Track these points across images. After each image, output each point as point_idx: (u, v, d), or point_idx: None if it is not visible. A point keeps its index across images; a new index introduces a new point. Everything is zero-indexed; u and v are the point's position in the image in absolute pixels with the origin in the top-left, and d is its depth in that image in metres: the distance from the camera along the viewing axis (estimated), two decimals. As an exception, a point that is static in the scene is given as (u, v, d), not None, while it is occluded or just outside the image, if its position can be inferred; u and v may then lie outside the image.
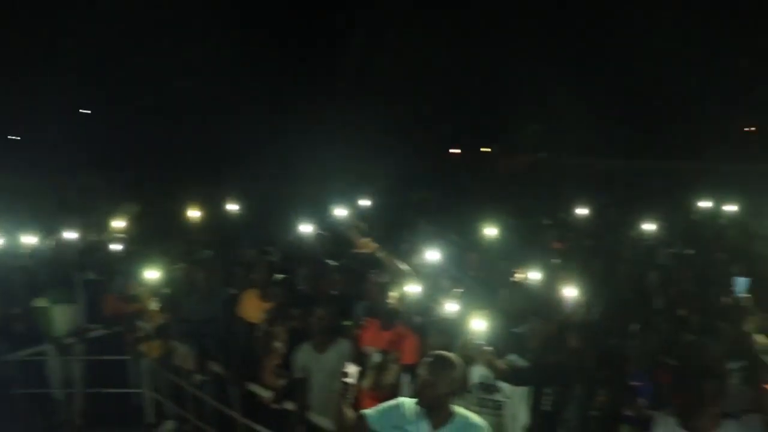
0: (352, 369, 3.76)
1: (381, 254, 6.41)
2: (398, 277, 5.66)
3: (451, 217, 9.67)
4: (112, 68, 22.10)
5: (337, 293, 5.77)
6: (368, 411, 3.51)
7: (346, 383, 3.70)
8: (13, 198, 12.15)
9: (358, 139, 19.77)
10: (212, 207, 9.79)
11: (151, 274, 6.79)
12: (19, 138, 22.74)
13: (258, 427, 5.68)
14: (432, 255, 6.28)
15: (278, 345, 5.58)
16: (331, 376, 5.18)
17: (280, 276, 5.89)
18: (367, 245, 6.72)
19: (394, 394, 4.65)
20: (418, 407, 3.44)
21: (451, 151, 27.20)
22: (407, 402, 3.51)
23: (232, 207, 9.48)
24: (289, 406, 5.35)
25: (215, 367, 6.13)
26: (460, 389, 3.79)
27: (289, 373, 5.38)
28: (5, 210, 9.90)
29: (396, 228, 8.71)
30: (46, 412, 7.38)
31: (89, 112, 25.04)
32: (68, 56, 21.69)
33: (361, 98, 20.79)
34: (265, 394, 5.59)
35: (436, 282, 5.81)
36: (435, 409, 3.43)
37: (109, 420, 7.19)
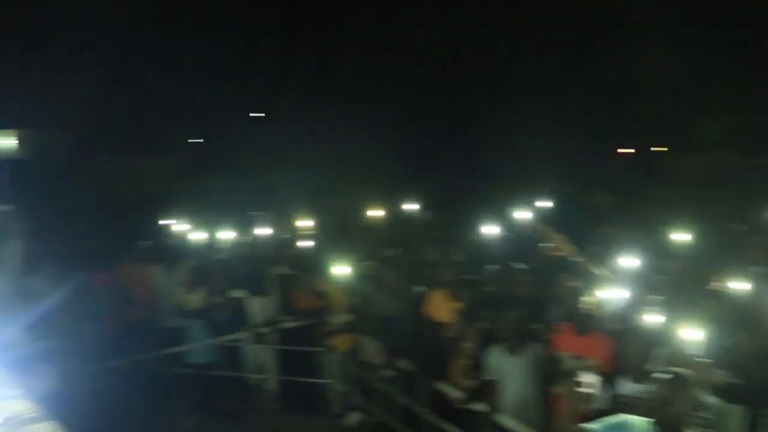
0: (589, 379, 3.68)
1: (576, 258, 6.29)
2: (594, 282, 5.53)
3: (632, 222, 9.26)
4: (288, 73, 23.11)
5: (528, 296, 5.72)
6: (592, 426, 3.40)
7: (579, 393, 3.63)
8: (211, 197, 13.09)
9: (528, 140, 19.43)
10: (393, 206, 10.06)
11: (341, 270, 7.09)
12: (201, 140, 24.36)
13: (445, 425, 5.77)
14: (629, 261, 6.07)
15: (469, 345, 5.64)
16: (523, 379, 5.17)
17: (467, 277, 5.93)
18: (563, 247, 6.62)
19: (588, 402, 4.57)
20: (653, 426, 3.33)
21: (620, 151, 26.04)
22: (636, 420, 3.38)
23: (413, 206, 9.70)
24: (479, 407, 5.39)
25: (404, 364, 6.28)
26: (696, 408, 3.63)
27: (479, 375, 5.42)
28: (205, 208, 10.69)
29: (578, 232, 8.50)
30: (241, 395, 7.94)
31: (263, 115, 26.39)
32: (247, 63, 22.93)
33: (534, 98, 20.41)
34: (454, 393, 5.66)
35: (635, 289, 5.60)
36: (671, 428, 3.31)
37: (297, 407, 7.59)
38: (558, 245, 6.75)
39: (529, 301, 5.57)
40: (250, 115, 25.62)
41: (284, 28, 22.13)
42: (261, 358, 7.87)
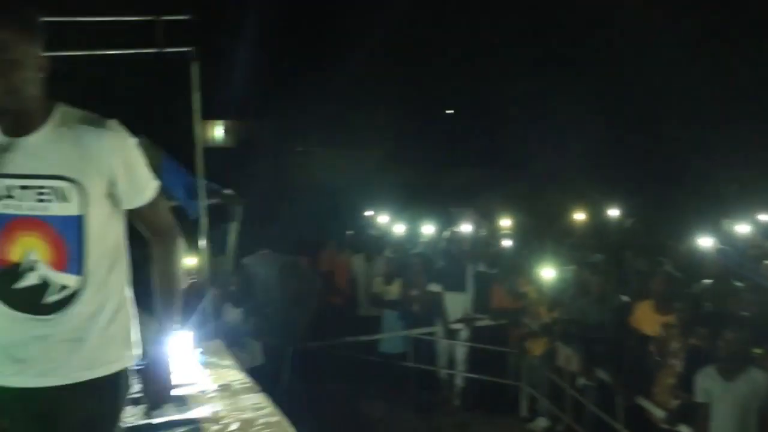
0: None
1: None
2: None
3: None
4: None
5: (752, 316, 5.24)
6: None
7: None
8: (412, 190, 13.42)
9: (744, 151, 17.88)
10: (597, 211, 9.74)
11: (543, 272, 6.95)
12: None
13: (641, 444, 5.46)
14: None
15: (675, 362, 5.29)
16: (739, 407, 4.74)
17: (679, 290, 5.56)
18: None
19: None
20: None
21: None
22: None
23: (616, 212, 9.32)
24: (684, 429, 5.03)
25: (601, 374, 6.03)
26: None
27: (686, 395, 5.06)
28: (407, 201, 10.97)
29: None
30: (430, 388, 8.05)
31: (453, 112, 26.48)
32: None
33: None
34: (657, 411, 5.33)
35: None
36: None
37: (484, 406, 7.57)
38: None
39: (753, 322, 5.08)
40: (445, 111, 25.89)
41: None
42: (452, 354, 7.92)
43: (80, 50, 5.75)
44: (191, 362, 4.18)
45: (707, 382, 4.85)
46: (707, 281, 6.05)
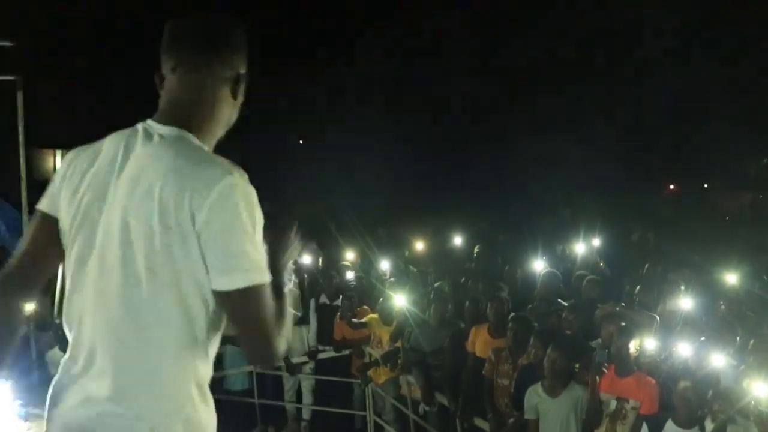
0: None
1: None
2: (640, 324, 5.42)
3: (677, 261, 9.08)
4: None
5: (571, 334, 5.63)
6: None
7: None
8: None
9: (575, 173, 19.27)
10: (438, 239, 10.09)
11: (383, 302, 7.10)
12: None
13: (482, 464, 5.68)
14: (682, 303, 5.94)
15: (506, 383, 5.58)
16: (562, 422, 5.07)
17: (512, 313, 5.86)
18: None
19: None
20: None
21: (670, 187, 25.71)
22: None
23: (457, 240, 9.71)
24: (518, 446, 5.29)
25: (442, 398, 6.23)
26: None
27: (518, 414, 5.34)
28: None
29: (624, 269, 8.39)
30: (278, 422, 7.94)
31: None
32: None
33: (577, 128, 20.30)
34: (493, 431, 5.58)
35: (686, 331, 5.47)
36: None
37: (333, 438, 7.59)
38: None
39: (572, 340, 5.46)
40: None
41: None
42: (299, 387, 7.87)
43: None
44: (8, 415, 3.88)
45: (534, 399, 5.15)
46: (536, 303, 6.42)
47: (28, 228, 1.98)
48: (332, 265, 8.87)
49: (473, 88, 20.85)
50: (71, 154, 1.89)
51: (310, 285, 8.09)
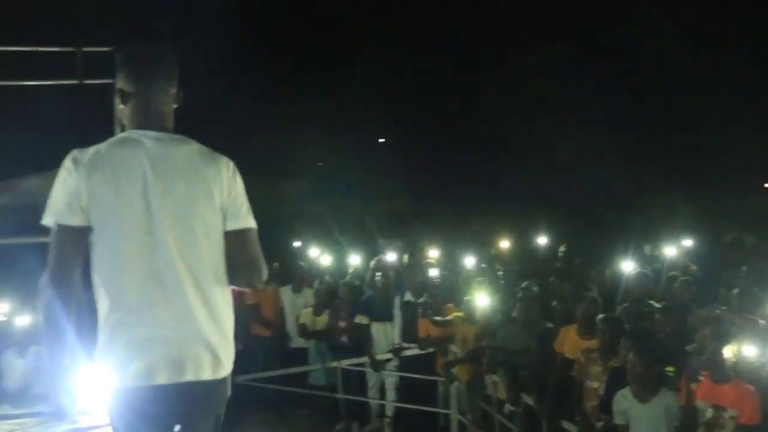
0: None
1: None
2: (740, 328, 5.19)
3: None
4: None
5: (664, 338, 5.44)
6: None
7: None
8: (341, 221, 13.40)
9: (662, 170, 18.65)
10: (525, 238, 9.97)
11: (469, 300, 7.07)
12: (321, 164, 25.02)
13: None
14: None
15: (596, 386, 5.45)
16: (653, 429, 4.90)
17: (601, 315, 5.72)
18: None
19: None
20: None
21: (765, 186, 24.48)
22: None
23: (543, 239, 9.57)
24: (607, 451, 5.16)
25: (528, 399, 6.14)
26: None
27: (608, 417, 5.20)
28: (334, 232, 10.96)
29: (715, 271, 8.06)
30: (361, 418, 8.02)
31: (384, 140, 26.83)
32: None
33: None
34: (580, 434, 5.47)
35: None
36: None
37: (416, 434, 7.59)
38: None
39: (661, 344, 5.29)
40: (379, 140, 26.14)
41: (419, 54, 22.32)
42: (382, 384, 7.92)
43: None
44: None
45: (623, 404, 4.99)
46: (626, 304, 6.25)
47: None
48: (417, 262, 8.89)
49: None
50: (82, 168, 2.32)
51: (395, 282, 8.14)
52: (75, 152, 2.34)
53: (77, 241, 2.30)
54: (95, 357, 2.31)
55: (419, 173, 19.41)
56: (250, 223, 2.48)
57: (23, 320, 5.99)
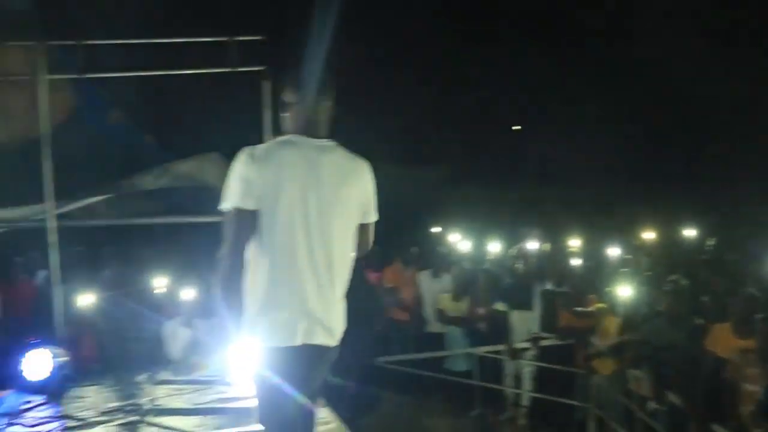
0: None
1: None
2: None
3: None
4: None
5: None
6: None
7: None
8: (479, 207, 13.36)
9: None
10: (671, 229, 9.50)
11: (614, 291, 6.83)
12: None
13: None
14: None
15: (754, 389, 5.10)
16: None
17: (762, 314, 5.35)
18: None
19: None
20: None
21: None
22: None
23: (692, 231, 9.07)
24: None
25: (673, 398, 5.86)
26: None
27: (766, 425, 4.87)
28: (473, 219, 10.92)
29: None
30: (496, 406, 7.96)
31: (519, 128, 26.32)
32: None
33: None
34: (736, 439, 5.15)
35: None
36: None
37: (551, 426, 7.42)
38: None
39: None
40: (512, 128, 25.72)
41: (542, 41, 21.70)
42: (519, 373, 7.82)
43: (158, 70, 6.04)
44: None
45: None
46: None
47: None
48: (559, 250, 8.69)
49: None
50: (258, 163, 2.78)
51: (535, 270, 7.99)
52: (248, 149, 2.80)
53: (249, 222, 2.74)
54: (247, 323, 2.77)
55: (556, 159, 18.92)
56: (375, 217, 3.03)
57: (188, 293, 6.41)
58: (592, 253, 8.45)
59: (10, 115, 7.58)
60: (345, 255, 2.90)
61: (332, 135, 2.98)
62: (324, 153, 2.87)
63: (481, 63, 21.81)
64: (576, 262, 8.07)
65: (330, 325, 2.84)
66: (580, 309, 7.14)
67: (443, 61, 21.71)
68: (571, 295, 7.22)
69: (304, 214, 2.76)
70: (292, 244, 2.77)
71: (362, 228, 2.99)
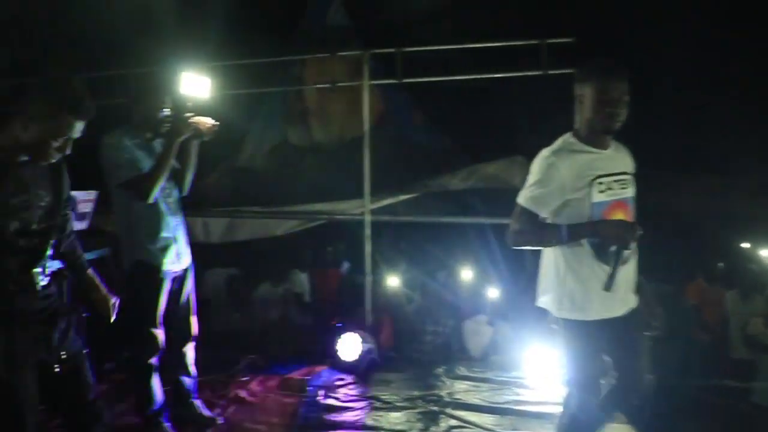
0: None
1: None
2: None
3: None
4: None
5: None
6: None
7: None
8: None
9: None
10: None
11: None
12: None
13: None
14: None
15: None
16: None
17: None
18: None
19: None
20: None
21: None
22: None
23: None
24: None
25: None
26: None
27: None
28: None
29: None
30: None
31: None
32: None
33: None
34: None
35: None
36: None
37: None
38: None
39: None
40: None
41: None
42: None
43: (473, 74, 6.29)
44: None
45: None
46: None
47: None
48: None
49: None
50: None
51: None
52: (546, 152, 3.13)
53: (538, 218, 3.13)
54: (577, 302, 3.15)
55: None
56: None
57: (493, 292, 6.56)
58: None
59: (331, 118, 8.38)
60: None
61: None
62: (613, 147, 3.25)
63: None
64: None
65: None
66: None
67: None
68: None
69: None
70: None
71: None
